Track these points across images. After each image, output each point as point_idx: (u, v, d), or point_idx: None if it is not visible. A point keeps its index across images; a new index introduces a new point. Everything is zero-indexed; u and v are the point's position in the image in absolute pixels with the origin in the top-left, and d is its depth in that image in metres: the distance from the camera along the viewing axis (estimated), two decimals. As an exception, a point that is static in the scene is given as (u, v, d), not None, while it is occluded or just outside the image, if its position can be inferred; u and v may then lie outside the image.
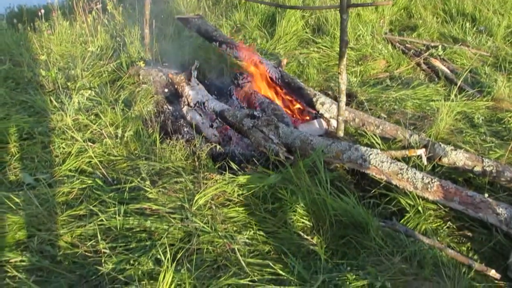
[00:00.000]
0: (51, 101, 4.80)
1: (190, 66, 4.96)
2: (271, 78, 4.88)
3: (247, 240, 3.00)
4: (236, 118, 4.14)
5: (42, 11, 7.04)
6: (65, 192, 3.50)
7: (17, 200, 3.36)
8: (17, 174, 3.80)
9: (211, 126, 4.38)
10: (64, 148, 4.03)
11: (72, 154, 3.93)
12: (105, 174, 3.68)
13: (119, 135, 4.20)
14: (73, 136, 4.12)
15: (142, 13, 7.20)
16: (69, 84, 5.28)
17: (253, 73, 4.97)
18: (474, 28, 6.99)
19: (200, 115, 4.51)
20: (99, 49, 6.36)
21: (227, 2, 8.61)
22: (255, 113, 4.11)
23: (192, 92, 4.69)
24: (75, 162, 3.84)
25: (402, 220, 3.15)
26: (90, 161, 3.86)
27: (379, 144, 3.97)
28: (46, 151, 4.06)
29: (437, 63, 5.83)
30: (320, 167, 3.35)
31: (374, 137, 4.03)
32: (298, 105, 4.78)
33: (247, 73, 5.09)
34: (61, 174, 3.75)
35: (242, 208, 3.27)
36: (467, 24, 7.05)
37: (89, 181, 3.60)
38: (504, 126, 4.45)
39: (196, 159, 3.88)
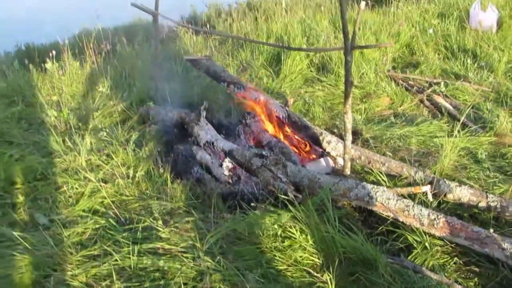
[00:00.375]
0: (64, 141, 4.92)
1: (199, 106, 5.08)
2: (278, 117, 4.99)
3: (258, 278, 3.06)
4: (245, 158, 4.23)
5: (54, 52, 7.22)
6: (79, 232, 3.57)
7: (32, 240, 3.44)
8: (31, 215, 3.89)
9: (220, 165, 4.47)
10: (77, 189, 4.12)
11: (85, 194, 4.02)
12: (118, 214, 3.76)
13: (131, 175, 4.30)
14: (86, 177, 4.23)
15: (150, 53, 7.40)
16: (80, 124, 5.41)
17: (260, 112, 5.08)
18: (475, 64, 7.11)
19: (210, 154, 4.60)
20: (109, 89, 6.52)
21: (233, 41, 8.82)
22: (264, 152, 4.20)
23: (201, 132, 4.80)
24: (88, 203, 3.92)
25: (410, 256, 3.21)
26: (103, 201, 3.94)
27: (385, 182, 4.04)
28: (59, 192, 4.15)
29: (440, 100, 5.93)
30: (328, 205, 3.42)
31: (380, 174, 4.11)
32: (305, 144, 4.88)
33: (254, 113, 5.20)
34: (75, 214, 3.83)
35: (253, 246, 3.33)
36: (468, 60, 7.16)
37: (102, 221, 3.67)
38: (507, 161, 4.52)
39: (206, 198, 3.96)
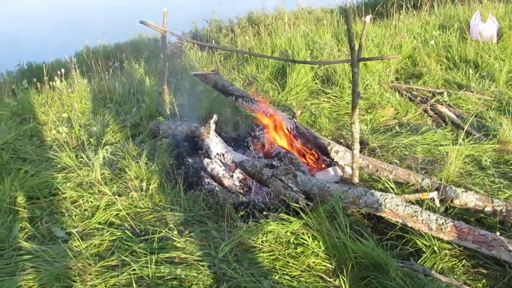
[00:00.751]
0: (76, 157, 5.04)
1: (208, 120, 5.19)
2: (286, 129, 5.10)
3: (272, 284, 3.15)
4: (255, 168, 4.34)
5: (62, 70, 7.36)
6: (96, 244, 3.67)
7: (52, 253, 3.55)
8: (48, 229, 3.99)
9: (231, 176, 4.58)
10: (92, 202, 4.24)
11: (101, 207, 4.13)
12: (133, 225, 3.85)
13: (144, 188, 4.41)
14: (100, 190, 4.34)
15: (157, 69, 7.54)
16: (91, 140, 5.52)
17: (269, 124, 5.19)
18: (477, 74, 7.21)
19: (220, 166, 4.71)
20: (118, 106, 6.64)
21: (238, 56, 8.95)
22: (274, 163, 4.31)
23: (211, 144, 4.91)
24: (104, 215, 4.04)
25: (419, 260, 3.29)
26: (118, 214, 4.05)
27: (393, 189, 4.14)
28: (75, 205, 4.26)
29: (443, 109, 6.04)
30: (339, 212, 3.52)
31: (388, 182, 4.20)
32: (313, 154, 4.98)
33: (263, 125, 5.32)
34: (91, 227, 3.94)
35: (267, 254, 3.42)
36: (470, 70, 7.27)
37: (119, 233, 3.77)
38: (511, 167, 4.60)
39: (219, 209, 4.06)
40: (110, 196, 4.17)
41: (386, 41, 8.79)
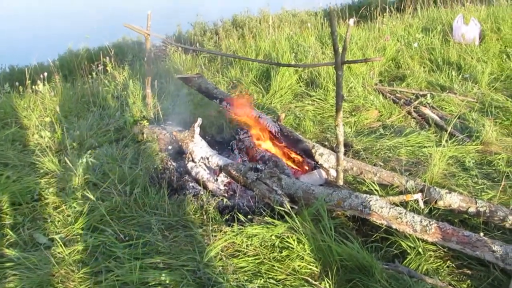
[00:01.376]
0: (59, 162, 4.99)
1: (192, 123, 5.16)
2: (270, 132, 5.08)
3: (258, 288, 3.14)
4: (240, 172, 4.32)
5: (45, 74, 7.29)
6: (79, 250, 3.63)
7: (34, 260, 3.50)
8: (31, 235, 3.94)
9: (216, 180, 4.56)
10: (75, 207, 4.18)
11: (84, 212, 4.07)
12: (117, 231, 3.82)
13: (128, 192, 4.37)
14: (83, 195, 4.29)
15: (141, 73, 7.50)
16: (74, 144, 5.47)
17: (253, 127, 5.18)
18: (460, 76, 7.27)
19: (205, 170, 4.69)
20: (101, 109, 6.59)
21: (222, 59, 8.93)
22: (258, 166, 4.30)
23: (195, 148, 4.89)
24: (87, 221, 3.98)
25: (404, 262, 3.30)
26: (102, 219, 4.00)
27: (377, 191, 4.15)
28: (58, 211, 4.21)
29: (427, 111, 6.07)
30: (324, 215, 3.52)
31: (373, 184, 4.22)
32: (297, 157, 4.98)
33: (247, 128, 5.31)
34: (74, 232, 3.89)
35: (252, 258, 3.40)
36: (453, 72, 7.33)
37: (102, 238, 3.73)
38: (494, 168, 4.64)
39: (204, 213, 4.03)
40: (94, 200, 4.13)
41: (370, 43, 8.83)
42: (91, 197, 4.14)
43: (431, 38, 9.02)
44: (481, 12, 10.08)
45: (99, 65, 7.67)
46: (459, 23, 8.85)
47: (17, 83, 7.62)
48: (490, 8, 10.41)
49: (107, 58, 7.91)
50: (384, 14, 10.79)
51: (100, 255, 3.57)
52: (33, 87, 7.31)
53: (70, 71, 8.05)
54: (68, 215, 4.12)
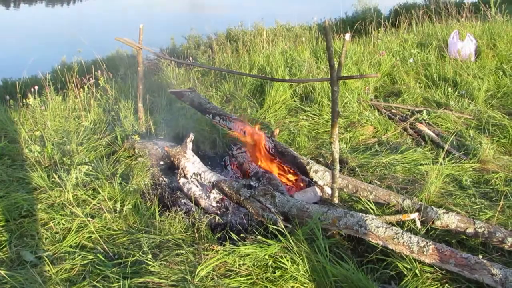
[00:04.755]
0: (49, 177, 4.91)
1: (185, 138, 5.11)
2: (265, 148, 5.04)
3: (250, 310, 3.07)
4: (233, 189, 4.26)
5: (36, 87, 7.22)
6: (67, 268, 3.55)
7: (20, 278, 3.42)
8: (17, 253, 3.85)
9: (208, 197, 4.50)
10: (64, 224, 4.10)
11: (72, 230, 4.00)
12: (106, 249, 3.75)
13: (118, 209, 4.30)
14: (72, 212, 4.21)
15: (134, 87, 7.44)
16: (64, 159, 5.40)
17: (247, 143, 5.13)
18: (456, 93, 7.26)
19: (197, 186, 4.64)
20: (92, 124, 6.52)
21: (215, 73, 8.90)
22: (252, 183, 4.25)
23: (188, 164, 4.83)
24: (76, 238, 3.91)
25: (401, 284, 3.24)
26: (91, 236, 3.93)
27: (373, 210, 4.10)
28: (46, 228, 4.12)
29: (423, 128, 6.05)
30: (318, 234, 3.46)
31: (368, 202, 4.17)
32: (292, 174, 4.93)
33: (241, 144, 5.26)
34: (62, 250, 3.80)
35: (244, 278, 3.34)
36: (449, 88, 7.32)
37: (91, 257, 3.66)
38: (491, 187, 4.62)
39: (195, 231, 3.97)
40: (83, 218, 4.06)
41: (365, 58, 8.84)
42: (80, 214, 4.07)
43: (427, 54, 9.04)
44: (476, 28, 10.13)
45: (91, 78, 7.61)
46: (455, 39, 8.88)
47: (7, 97, 7.53)
48: (485, 24, 10.46)
49: (99, 71, 7.85)
50: (379, 29, 10.82)
51: (88, 274, 3.49)
52: (24, 100, 7.24)
53: (63, 84, 7.97)
54: (56, 232, 4.04)
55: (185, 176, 4.80)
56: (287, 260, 3.38)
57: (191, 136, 5.09)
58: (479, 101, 6.88)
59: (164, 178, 4.93)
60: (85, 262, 3.62)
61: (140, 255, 3.63)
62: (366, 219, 3.54)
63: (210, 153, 5.66)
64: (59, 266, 3.57)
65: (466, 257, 3.14)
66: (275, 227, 3.70)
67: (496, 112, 6.49)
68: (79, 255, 3.68)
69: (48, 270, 3.51)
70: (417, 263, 3.32)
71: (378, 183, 4.74)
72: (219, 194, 4.51)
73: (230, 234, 3.83)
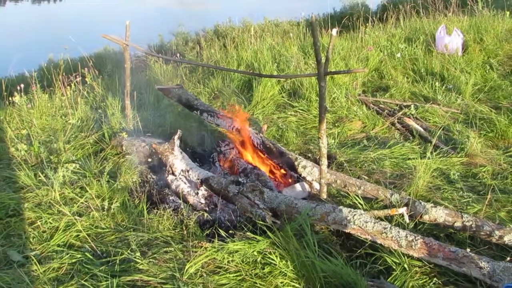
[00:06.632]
0: (35, 175, 4.87)
1: (172, 135, 5.09)
2: (252, 144, 5.03)
3: (239, 307, 3.06)
4: (221, 185, 4.25)
5: (22, 85, 7.16)
6: (55, 268, 3.52)
7: (7, 278, 3.39)
8: (4, 252, 3.82)
9: (197, 194, 4.49)
10: (51, 223, 4.07)
11: (60, 228, 3.97)
12: (94, 247, 3.72)
13: (106, 207, 4.27)
14: (60, 211, 4.18)
15: (121, 84, 7.40)
16: (52, 157, 5.36)
17: (235, 140, 5.12)
18: (443, 87, 7.28)
19: (185, 183, 4.62)
20: (79, 121, 6.48)
21: (203, 70, 8.88)
22: (240, 179, 4.24)
23: (176, 161, 4.81)
24: (63, 237, 3.88)
25: (390, 278, 3.25)
26: (78, 235, 3.90)
27: (361, 205, 4.11)
28: (33, 227, 4.09)
29: (410, 122, 6.07)
30: (307, 230, 3.46)
31: (357, 197, 4.18)
32: (280, 170, 4.93)
33: (229, 140, 5.25)
34: (50, 249, 3.77)
35: (233, 275, 3.33)
36: (437, 83, 7.34)
37: (79, 256, 3.63)
38: (479, 181, 4.64)
39: (184, 228, 3.96)
40: (70, 216, 4.03)
41: (353, 53, 8.85)
42: (68, 212, 4.05)
43: (414, 49, 9.06)
44: (463, 23, 10.17)
45: (77, 76, 7.55)
46: (442, 33, 8.91)
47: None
48: (472, 18, 10.50)
49: (86, 69, 7.79)
50: (367, 24, 10.83)
51: (76, 272, 3.47)
52: (10, 98, 7.17)
53: (49, 82, 7.91)
54: (44, 231, 4.01)
55: (173, 173, 4.78)
56: (276, 256, 3.37)
57: (179, 133, 5.07)
58: (466, 95, 6.91)
59: (152, 176, 4.91)
60: (73, 261, 3.59)
61: (128, 253, 3.61)
62: (355, 214, 3.54)
63: (198, 150, 5.64)
64: (46, 266, 3.54)
65: (454, 251, 3.15)
66: (264, 223, 3.69)
67: (483, 106, 6.52)
68: (67, 254, 3.65)
69: (36, 270, 3.48)
70: (405, 257, 3.32)
71: (367, 178, 4.75)
72: (207, 191, 4.49)
73: (219, 231, 3.82)
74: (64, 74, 7.43)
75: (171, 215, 4.15)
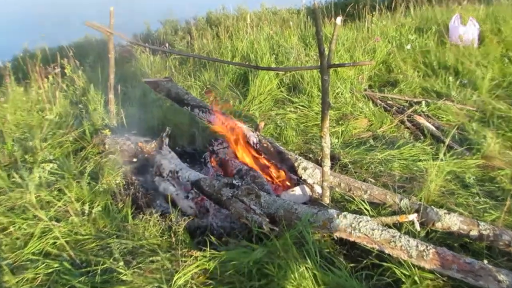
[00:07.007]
0: (9, 176, 4.85)
1: (160, 133, 5.07)
2: (248, 143, 5.01)
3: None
4: (213, 188, 4.23)
5: (-6, 77, 7.15)
6: (29, 278, 3.51)
7: (-24, 290, 3.37)
8: (-26, 261, 3.81)
9: (187, 197, 4.47)
10: (25, 229, 4.06)
11: (35, 235, 3.95)
12: (73, 256, 3.70)
13: (86, 211, 4.25)
14: (35, 215, 4.16)
15: (104, 76, 7.38)
16: (27, 156, 5.33)
17: (229, 138, 5.10)
18: (458, 82, 7.28)
19: (174, 185, 4.60)
20: (58, 117, 6.46)
21: (195, 61, 8.86)
22: (234, 181, 4.22)
23: (164, 161, 4.80)
24: (39, 244, 3.86)
25: (399, 292, 3.24)
26: (55, 242, 3.88)
27: (368, 210, 4.09)
28: (5, 233, 4.07)
29: (421, 120, 6.05)
30: (308, 238, 3.44)
31: (362, 202, 4.16)
32: (279, 171, 4.91)
33: (222, 139, 5.22)
34: (24, 258, 3.76)
35: (226, 287, 3.31)
36: (450, 77, 7.34)
37: (56, 265, 3.62)
38: (497, 185, 4.61)
39: (172, 235, 3.93)
40: (47, 221, 4.00)
41: (358, 45, 8.84)
42: (44, 217, 4.02)
43: (426, 40, 9.06)
44: (479, 12, 10.17)
45: (56, 67, 7.53)
46: (456, 23, 8.91)
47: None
48: (489, 7, 10.52)
49: (65, 59, 7.77)
50: (374, 12, 10.82)
51: (53, 283, 3.46)
52: (-19, 91, 7.16)
53: (25, 74, 7.89)
54: (17, 238, 4.00)
55: (160, 175, 4.76)
56: (274, 267, 3.35)
57: (167, 130, 5.05)
58: (482, 91, 6.89)
59: (138, 177, 4.88)
60: (50, 271, 3.58)
61: (111, 262, 3.58)
62: (360, 221, 3.51)
63: (188, 149, 5.63)
64: (20, 276, 3.52)
65: (470, 262, 3.13)
66: (260, 230, 3.67)
67: (502, 103, 6.49)
68: (43, 263, 3.64)
69: (8, 280, 3.46)
70: (416, 269, 3.30)
71: (373, 181, 4.74)
72: (198, 194, 4.47)
73: (211, 238, 3.80)
74: (41, 65, 7.41)
75: (158, 220, 4.12)
